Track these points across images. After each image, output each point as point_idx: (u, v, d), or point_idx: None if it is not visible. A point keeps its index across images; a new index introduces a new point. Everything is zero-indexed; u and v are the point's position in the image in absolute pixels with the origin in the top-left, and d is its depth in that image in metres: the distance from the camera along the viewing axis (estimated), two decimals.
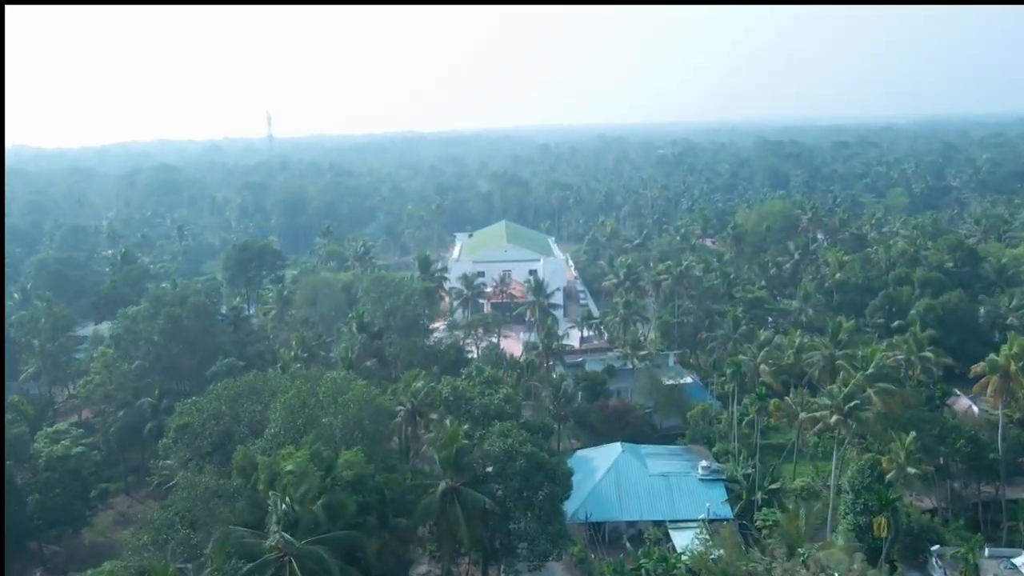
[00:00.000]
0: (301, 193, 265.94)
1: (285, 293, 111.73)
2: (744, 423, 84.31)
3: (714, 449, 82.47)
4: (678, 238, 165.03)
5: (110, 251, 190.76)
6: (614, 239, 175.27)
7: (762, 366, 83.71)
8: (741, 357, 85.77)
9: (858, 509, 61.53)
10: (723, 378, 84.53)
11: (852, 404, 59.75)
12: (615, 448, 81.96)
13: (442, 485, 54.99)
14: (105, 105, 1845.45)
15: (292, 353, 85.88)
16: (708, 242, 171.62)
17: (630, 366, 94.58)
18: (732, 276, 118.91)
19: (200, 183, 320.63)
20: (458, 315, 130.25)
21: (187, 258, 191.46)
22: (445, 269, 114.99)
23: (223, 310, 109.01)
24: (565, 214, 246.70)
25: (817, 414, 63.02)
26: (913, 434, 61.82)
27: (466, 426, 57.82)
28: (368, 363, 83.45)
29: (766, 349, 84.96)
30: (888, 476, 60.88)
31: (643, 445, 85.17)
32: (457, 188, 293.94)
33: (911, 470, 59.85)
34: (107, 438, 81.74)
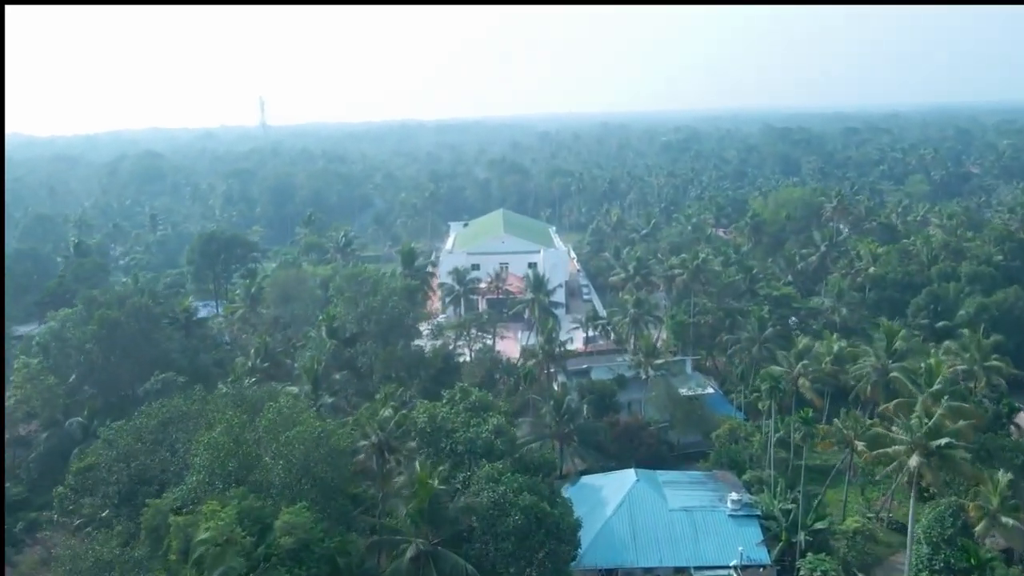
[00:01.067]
0: (289, 180, 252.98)
1: (253, 290, 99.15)
2: (775, 440, 72.16)
3: (744, 477, 70.05)
4: (689, 228, 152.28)
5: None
6: (620, 229, 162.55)
7: (801, 380, 71.21)
8: (776, 368, 73.25)
9: (936, 567, 49.36)
10: (756, 393, 72.02)
11: (941, 443, 47.02)
12: (628, 476, 69.56)
13: (412, 548, 42.69)
14: (101, 93, 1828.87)
15: (250, 363, 73.41)
16: (720, 232, 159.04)
17: (644, 376, 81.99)
18: (755, 271, 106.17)
19: (186, 171, 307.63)
20: (449, 313, 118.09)
21: (163, 249, 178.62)
22: (432, 263, 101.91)
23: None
24: (566, 202, 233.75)
25: (890, 450, 50.42)
26: (1008, 475, 49.29)
27: (442, 468, 45.40)
28: (338, 375, 71.16)
29: (805, 361, 72.23)
30: (977, 529, 48.49)
31: (660, 471, 72.82)
32: (453, 175, 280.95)
33: (1007, 520, 47.39)
34: (27, 465, 69.31)
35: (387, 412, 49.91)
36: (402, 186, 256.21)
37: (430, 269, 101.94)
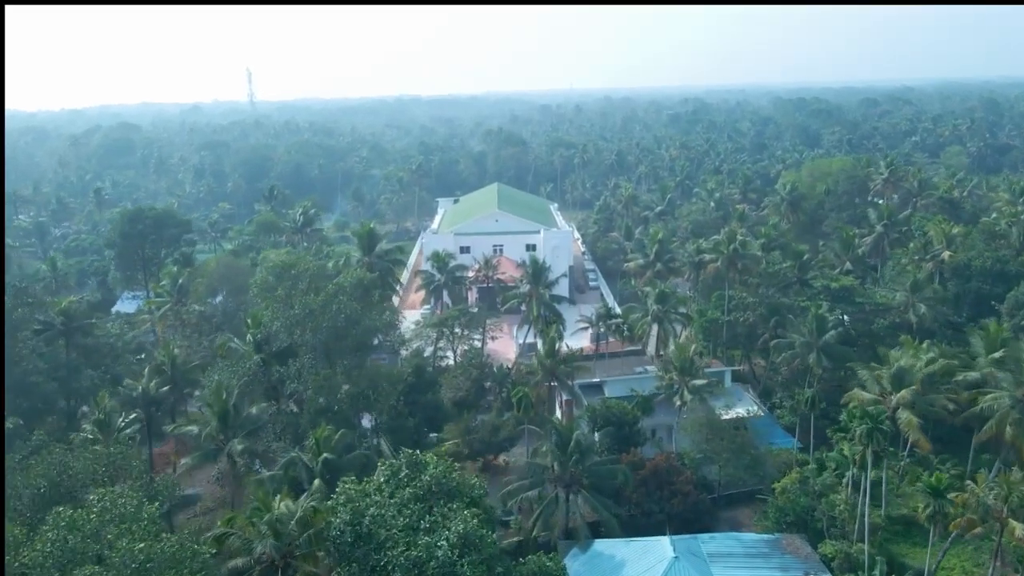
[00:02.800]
0: (266, 153, 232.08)
1: (181, 281, 79.15)
2: (850, 482, 52.55)
3: (824, 550, 50.47)
4: (712, 204, 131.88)
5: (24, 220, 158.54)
6: (632, 206, 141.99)
7: (903, 413, 51.31)
8: (863, 395, 53.35)
9: None
10: (841, 434, 52.13)
11: None
12: (661, 549, 49.84)
13: None
14: (94, 68, 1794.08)
15: (140, 387, 53.49)
16: (743, 208, 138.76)
17: (679, 402, 61.89)
18: (806, 257, 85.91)
19: (160, 143, 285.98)
20: (431, 307, 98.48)
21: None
22: (399, 250, 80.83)
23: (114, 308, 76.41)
24: (569, 177, 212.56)
25: None
26: None
27: None
28: (255, 409, 51.27)
29: (913, 387, 52.07)
30: None
31: (703, 536, 53.22)
32: (447, 148, 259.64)
33: None
34: None
35: (284, 507, 30.14)
36: (390, 159, 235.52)
37: (393, 256, 79.40)
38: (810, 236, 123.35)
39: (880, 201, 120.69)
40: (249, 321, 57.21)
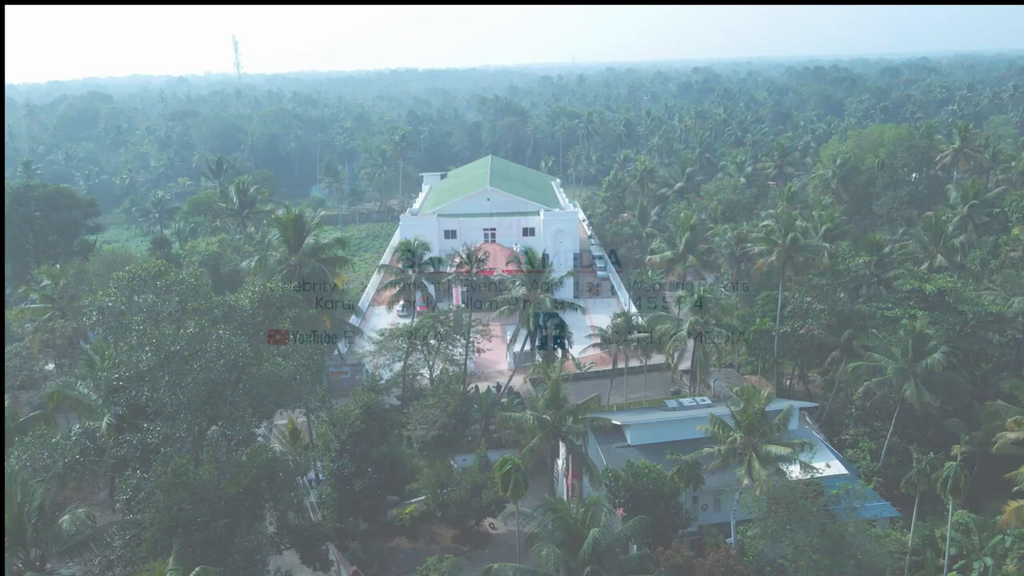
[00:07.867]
0: (240, 124, 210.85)
1: (63, 283, 59.39)
2: None
3: None
4: (743, 180, 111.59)
5: None
6: (648, 181, 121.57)
7: None
8: None
9: None
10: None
11: None
12: None
13: None
14: (87, 41, 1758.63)
15: None
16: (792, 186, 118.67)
17: (746, 480, 41.74)
18: (887, 249, 65.76)
19: (129, 114, 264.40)
20: (393, 314, 79.31)
21: None
22: (341, 244, 60.10)
23: None
24: (573, 149, 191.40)
25: None
26: None
27: None
28: (82, 512, 31.74)
29: None
30: None
31: None
32: (439, 119, 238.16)
33: None
34: None
35: None
36: (376, 131, 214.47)
37: (329, 254, 57.78)
38: (858, 218, 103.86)
39: (963, 177, 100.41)
40: (95, 356, 37.41)
